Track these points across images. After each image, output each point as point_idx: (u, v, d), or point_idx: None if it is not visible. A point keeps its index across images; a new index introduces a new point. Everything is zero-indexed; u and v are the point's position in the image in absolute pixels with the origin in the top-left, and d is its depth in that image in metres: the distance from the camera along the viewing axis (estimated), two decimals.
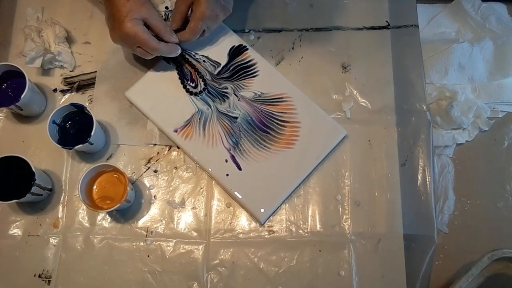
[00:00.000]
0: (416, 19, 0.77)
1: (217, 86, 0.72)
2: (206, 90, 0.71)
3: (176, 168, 0.70)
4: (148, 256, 0.66)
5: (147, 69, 0.73)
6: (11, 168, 0.62)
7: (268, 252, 0.67)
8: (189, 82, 0.72)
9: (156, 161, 0.70)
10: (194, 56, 0.73)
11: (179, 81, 0.72)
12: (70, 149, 0.63)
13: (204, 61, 0.73)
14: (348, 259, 0.67)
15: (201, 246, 0.67)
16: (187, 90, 0.71)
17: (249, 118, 0.71)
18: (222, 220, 0.68)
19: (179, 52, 0.68)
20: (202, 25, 0.66)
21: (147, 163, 0.70)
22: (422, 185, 0.70)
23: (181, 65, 0.72)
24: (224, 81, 0.73)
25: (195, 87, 0.72)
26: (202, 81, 0.72)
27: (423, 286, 0.66)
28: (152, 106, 0.71)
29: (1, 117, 0.72)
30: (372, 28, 0.77)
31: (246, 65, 0.74)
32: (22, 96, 0.64)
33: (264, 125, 0.71)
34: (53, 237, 0.67)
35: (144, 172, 0.70)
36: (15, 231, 0.67)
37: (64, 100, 0.73)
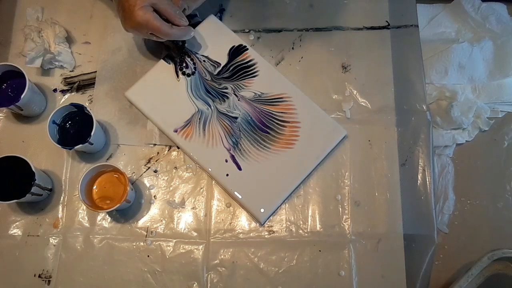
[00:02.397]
0: (416, 19, 0.77)
1: (217, 86, 0.72)
2: (196, 72, 0.72)
3: (176, 168, 0.70)
4: (148, 256, 0.66)
5: (147, 69, 0.73)
6: (11, 168, 0.62)
7: (268, 252, 0.67)
8: (183, 64, 0.73)
9: (156, 161, 0.70)
10: (195, 55, 0.73)
11: (175, 65, 0.73)
12: (70, 149, 0.63)
13: (204, 61, 0.73)
14: (348, 259, 0.67)
15: (201, 246, 0.67)
16: (181, 69, 0.72)
17: (249, 118, 0.71)
18: (222, 220, 0.68)
19: (192, 34, 0.68)
20: (183, 4, 0.67)
21: (147, 163, 0.70)
22: (422, 185, 0.70)
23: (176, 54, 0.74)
24: (224, 81, 0.73)
25: (187, 67, 0.73)
26: (190, 59, 0.73)
27: (423, 286, 0.66)
28: (152, 106, 0.71)
29: (1, 117, 0.72)
30: (372, 28, 0.77)
31: (246, 65, 0.74)
32: (22, 96, 0.64)
33: (264, 125, 0.71)
34: (53, 237, 0.67)
35: (144, 172, 0.70)
36: (15, 231, 0.67)
37: (64, 100, 0.73)
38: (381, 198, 0.69)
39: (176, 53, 0.73)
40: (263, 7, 0.78)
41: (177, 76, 0.72)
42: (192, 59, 0.73)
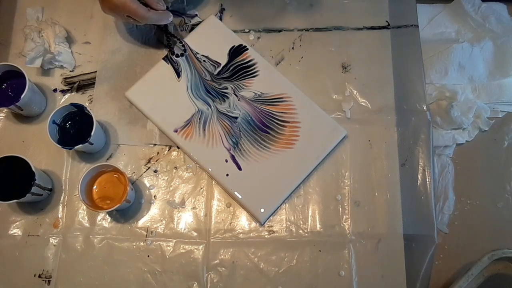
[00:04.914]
0: (416, 19, 0.77)
1: (217, 86, 0.72)
2: (186, 54, 0.73)
3: (176, 168, 0.70)
4: (148, 256, 0.66)
5: (147, 69, 0.73)
6: (11, 168, 0.62)
7: (268, 252, 0.67)
8: (172, 48, 0.74)
9: (156, 161, 0.70)
10: (196, 55, 0.74)
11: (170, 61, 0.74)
12: (70, 149, 0.63)
13: (204, 61, 0.73)
14: (348, 259, 0.67)
15: (201, 246, 0.67)
16: (172, 53, 0.73)
17: (249, 118, 0.71)
18: (222, 220, 0.68)
19: (170, 19, 0.68)
20: None
21: (147, 163, 0.70)
22: (422, 185, 0.70)
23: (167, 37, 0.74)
24: (224, 81, 0.73)
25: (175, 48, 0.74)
26: (177, 39, 0.74)
27: (423, 286, 0.66)
28: (152, 106, 0.71)
29: (1, 117, 0.72)
30: (372, 28, 0.77)
31: (246, 65, 0.74)
32: (22, 96, 0.64)
33: (264, 125, 0.71)
34: (53, 237, 0.67)
35: (144, 172, 0.70)
36: (15, 231, 0.67)
37: (64, 100, 0.73)
38: (381, 198, 0.69)
39: (163, 38, 0.74)
40: (263, 7, 0.78)
41: (171, 58, 0.73)
42: (178, 39, 0.74)
